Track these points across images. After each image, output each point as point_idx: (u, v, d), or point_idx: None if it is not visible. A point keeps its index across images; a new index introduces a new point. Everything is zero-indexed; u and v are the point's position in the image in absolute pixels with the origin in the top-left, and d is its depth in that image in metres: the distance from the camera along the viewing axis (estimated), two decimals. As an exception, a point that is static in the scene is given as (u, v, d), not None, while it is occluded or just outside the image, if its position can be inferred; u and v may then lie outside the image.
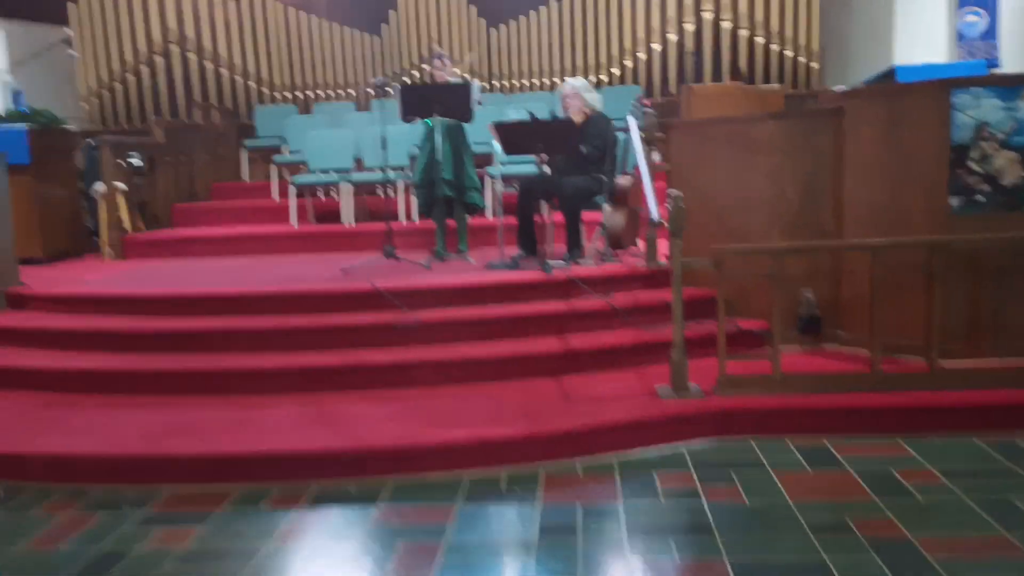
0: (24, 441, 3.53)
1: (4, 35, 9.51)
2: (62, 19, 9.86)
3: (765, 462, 3.28)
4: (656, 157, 5.32)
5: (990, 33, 8.58)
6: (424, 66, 9.56)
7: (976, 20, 8.59)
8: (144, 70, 10.06)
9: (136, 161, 7.27)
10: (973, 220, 3.85)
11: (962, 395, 3.59)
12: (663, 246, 4.88)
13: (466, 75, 8.48)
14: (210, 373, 4.16)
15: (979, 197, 3.83)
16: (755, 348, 4.36)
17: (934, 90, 3.87)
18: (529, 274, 4.94)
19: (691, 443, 3.50)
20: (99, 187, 6.92)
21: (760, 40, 9.57)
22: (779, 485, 3.05)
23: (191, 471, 3.30)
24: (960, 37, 8.64)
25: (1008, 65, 8.44)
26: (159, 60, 10.05)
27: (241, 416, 3.76)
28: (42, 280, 5.56)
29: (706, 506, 2.91)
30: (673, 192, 3.63)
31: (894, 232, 3.97)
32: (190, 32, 10.03)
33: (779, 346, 3.73)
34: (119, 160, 7.01)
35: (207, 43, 10.04)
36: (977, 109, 3.77)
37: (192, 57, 10.07)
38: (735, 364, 3.78)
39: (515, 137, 5.21)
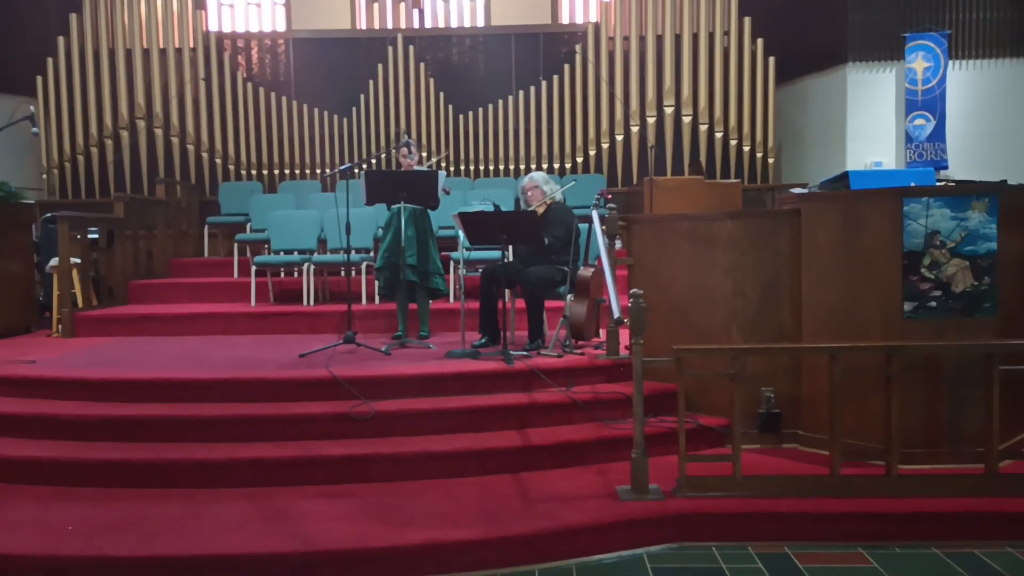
0: (-50, 538, 3.33)
1: (-36, 105, 9.44)
2: (30, 91, 9.84)
3: (726, 571, 3.21)
4: (619, 245, 5.39)
5: (937, 135, 8.99)
6: (392, 150, 9.67)
7: (924, 123, 9.00)
8: (108, 144, 10.02)
9: (93, 236, 7.15)
10: (927, 325, 3.92)
11: (922, 502, 3.58)
12: (624, 337, 4.89)
13: (431, 164, 8.58)
14: (156, 464, 4.00)
15: (932, 303, 3.92)
16: (716, 445, 4.35)
17: (887, 198, 3.99)
18: (490, 364, 4.89)
19: (652, 548, 3.42)
20: (53, 262, 6.78)
21: (719, 134, 9.88)
22: (741, 596, 2.98)
23: (129, 574, 3.12)
24: (908, 139, 9.03)
25: (955, 167, 8.83)
26: (125, 134, 10.03)
27: (186, 512, 3.60)
28: (-15, 359, 5.36)
29: (667, 619, 2.82)
30: (635, 291, 3.65)
31: (852, 333, 4.03)
32: (158, 108, 10.05)
33: (739, 447, 3.71)
34: (76, 234, 6.90)
35: (175, 119, 10.06)
36: (928, 218, 3.89)
37: (159, 132, 10.06)
38: (696, 464, 3.75)
39: (479, 227, 5.24)
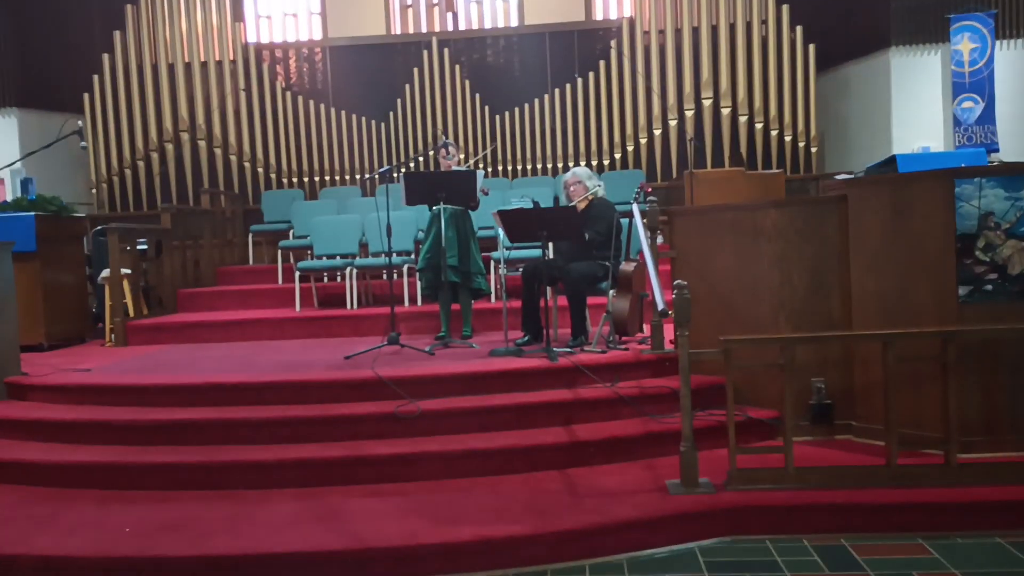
0: (15, 541, 3.41)
1: (17, 124, 9.73)
2: (77, 108, 10.10)
3: (781, 564, 3.14)
4: (660, 240, 5.33)
5: (987, 117, 8.74)
6: (430, 152, 9.72)
7: (972, 106, 8.75)
8: (154, 157, 10.24)
9: (142, 247, 7.31)
10: (983, 309, 3.80)
11: (983, 491, 3.47)
12: (669, 332, 4.83)
13: (471, 164, 8.60)
14: (207, 466, 4.06)
15: (988, 286, 3.79)
16: (766, 438, 4.27)
17: (937, 180, 3.88)
18: (533, 361, 4.88)
19: (703, 542, 3.37)
20: (105, 273, 6.95)
21: (759, 125, 9.73)
22: (797, 589, 2.92)
23: (183, 574, 3.17)
24: (956, 123, 8.78)
25: (1007, 149, 8.56)
26: (169, 147, 10.24)
27: (238, 512, 3.65)
28: (43, 368, 5.50)
29: (721, 613, 2.77)
30: (679, 282, 3.60)
31: (905, 320, 3.93)
32: (201, 120, 10.24)
33: (791, 438, 3.64)
34: (126, 246, 7.05)
35: (217, 131, 10.25)
36: (981, 199, 3.77)
37: (202, 144, 10.26)
38: (746, 457, 3.68)
39: (519, 224, 5.23)
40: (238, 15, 10.60)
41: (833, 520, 3.42)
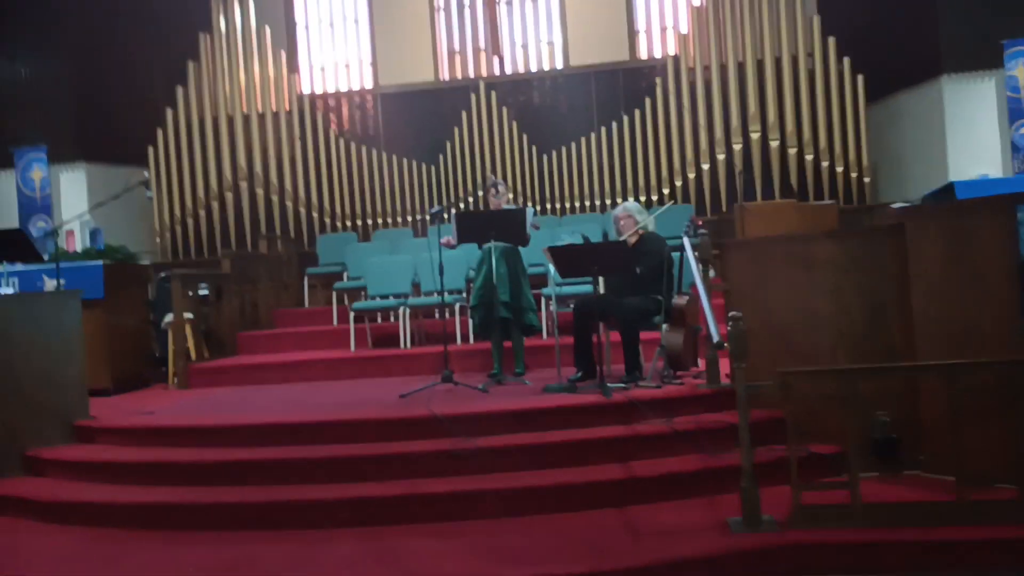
0: (84, 579, 3.51)
1: (86, 177, 10.17)
2: (142, 161, 10.52)
3: (850, 602, 3.05)
4: (712, 275, 5.30)
5: (1046, 143, 8.52)
6: (480, 192, 9.86)
7: (1031, 131, 8.56)
8: (215, 205, 10.58)
9: (204, 292, 7.53)
10: (1052, 337, 3.68)
11: (1062, 526, 3.33)
12: (724, 366, 4.77)
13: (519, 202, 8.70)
14: (269, 506, 4.12)
15: (1056, 313, 3.68)
16: (828, 474, 4.16)
17: (997, 206, 3.80)
18: (588, 397, 4.86)
19: (768, 581, 3.30)
20: (168, 318, 7.16)
21: (809, 157, 9.65)
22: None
23: (248, 612, 3.22)
24: (1015, 149, 8.59)
25: (1069, 174, 8.33)
26: (229, 195, 10.58)
27: (299, 553, 3.69)
28: (110, 411, 5.68)
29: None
30: (733, 314, 3.57)
31: (969, 350, 3.82)
32: (259, 169, 10.57)
33: (857, 474, 3.55)
34: (188, 291, 7.28)
35: (274, 178, 10.56)
36: (1045, 224, 3.68)
37: (260, 192, 10.58)
38: (810, 494, 3.60)
39: (569, 260, 5.25)
40: (293, 67, 11.00)
41: (902, 558, 3.32)
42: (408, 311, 7.34)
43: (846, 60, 9.56)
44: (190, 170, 10.65)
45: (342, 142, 10.62)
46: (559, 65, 10.96)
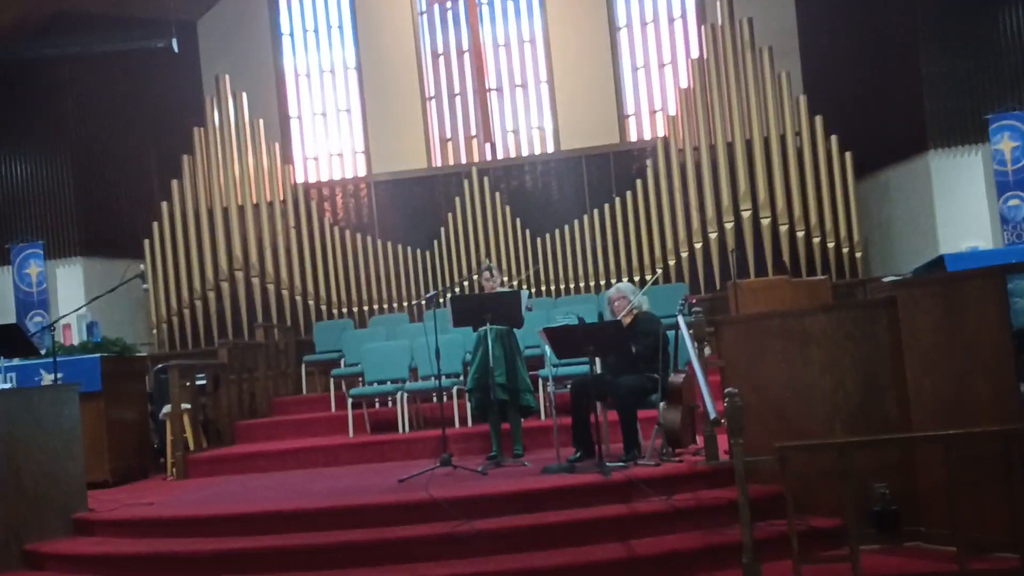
0: None
1: (82, 271, 10.29)
2: (138, 254, 10.63)
3: None
4: (708, 352, 5.35)
5: (1035, 214, 8.67)
6: (474, 276, 9.97)
7: (1019, 203, 8.72)
8: (211, 296, 10.66)
9: (201, 382, 7.55)
10: (1045, 405, 3.71)
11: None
12: (723, 442, 4.77)
13: (514, 284, 8.80)
14: (266, 597, 4.06)
15: (1048, 381, 3.72)
16: (829, 547, 4.12)
17: (988, 277, 3.87)
18: (587, 477, 4.85)
19: (775, 660, 3.24)
20: (166, 409, 7.16)
21: (800, 233, 9.78)
22: None
23: None
24: (1004, 221, 8.73)
25: (1056, 243, 8.47)
26: (225, 286, 10.66)
27: (297, 643, 3.62)
28: (109, 503, 5.62)
29: None
30: (730, 390, 3.61)
31: (965, 420, 3.84)
32: (254, 258, 10.69)
33: (858, 547, 3.52)
34: (185, 381, 7.29)
35: (270, 267, 10.66)
36: (1033, 293, 3.76)
37: (255, 281, 10.66)
38: (811, 567, 3.57)
39: (565, 340, 5.31)
40: (287, 158, 11.27)
41: (910, 632, 3.27)
42: (406, 396, 7.35)
43: (833, 138, 9.75)
44: (186, 262, 10.74)
45: (336, 230, 10.78)
46: (550, 149, 11.25)
